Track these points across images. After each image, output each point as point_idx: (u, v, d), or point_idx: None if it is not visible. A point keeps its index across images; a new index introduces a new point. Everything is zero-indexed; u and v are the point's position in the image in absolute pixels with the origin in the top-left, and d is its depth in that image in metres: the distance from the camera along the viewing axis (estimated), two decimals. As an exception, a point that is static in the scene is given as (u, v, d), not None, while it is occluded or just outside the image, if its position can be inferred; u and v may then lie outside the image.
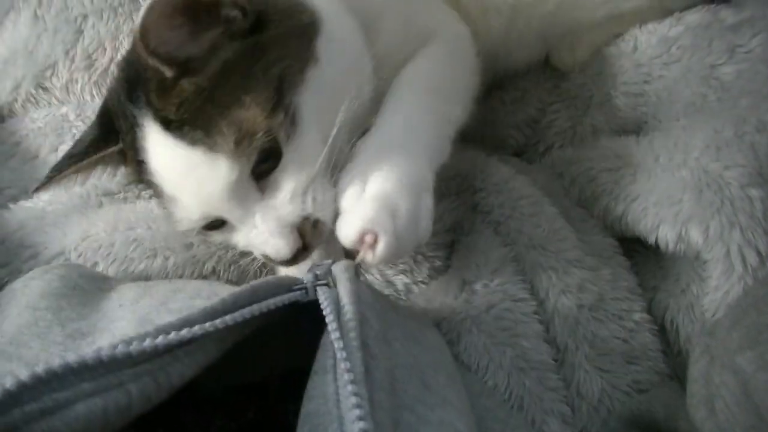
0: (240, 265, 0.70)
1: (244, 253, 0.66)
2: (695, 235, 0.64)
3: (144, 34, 0.50)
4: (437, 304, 0.68)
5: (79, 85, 0.92)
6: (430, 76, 0.68)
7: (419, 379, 0.44)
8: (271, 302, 0.42)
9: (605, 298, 0.67)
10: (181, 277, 0.68)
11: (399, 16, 0.71)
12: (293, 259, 0.56)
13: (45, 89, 0.93)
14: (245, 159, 0.52)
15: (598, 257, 0.71)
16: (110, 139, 0.59)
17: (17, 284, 0.53)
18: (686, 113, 0.78)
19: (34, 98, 0.93)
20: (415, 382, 0.43)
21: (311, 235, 0.56)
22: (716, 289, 0.62)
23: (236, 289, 0.44)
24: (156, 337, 0.35)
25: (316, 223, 0.56)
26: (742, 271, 0.61)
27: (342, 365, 0.37)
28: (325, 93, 0.58)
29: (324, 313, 0.41)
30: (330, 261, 0.49)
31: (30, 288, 0.51)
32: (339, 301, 0.42)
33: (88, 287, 0.53)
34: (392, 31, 0.70)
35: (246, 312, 0.40)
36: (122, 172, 0.65)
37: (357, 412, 0.33)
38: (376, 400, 0.36)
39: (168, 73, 0.52)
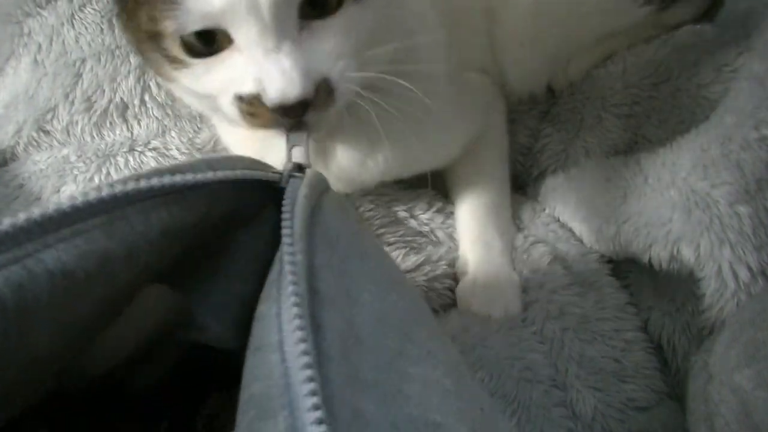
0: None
1: None
2: (687, 254, 0.64)
3: None
4: (449, 327, 0.69)
5: (79, 127, 0.94)
6: (491, 195, 0.81)
7: (399, 329, 0.36)
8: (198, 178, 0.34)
9: (590, 319, 0.68)
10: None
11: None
12: (292, 110, 0.50)
13: (46, 132, 0.95)
14: None
15: (582, 283, 0.72)
16: None
17: None
18: (675, 132, 0.79)
19: (36, 141, 0.95)
20: (394, 331, 0.36)
21: (321, 99, 0.50)
22: (711, 307, 0.63)
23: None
24: (18, 219, 0.28)
25: (331, 92, 0.51)
26: (735, 287, 0.62)
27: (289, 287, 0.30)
28: None
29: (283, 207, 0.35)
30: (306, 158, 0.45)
31: None
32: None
33: None
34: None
35: (127, 189, 0.31)
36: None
37: (310, 386, 0.26)
38: (333, 357, 0.29)
39: None
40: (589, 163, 0.82)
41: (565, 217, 0.80)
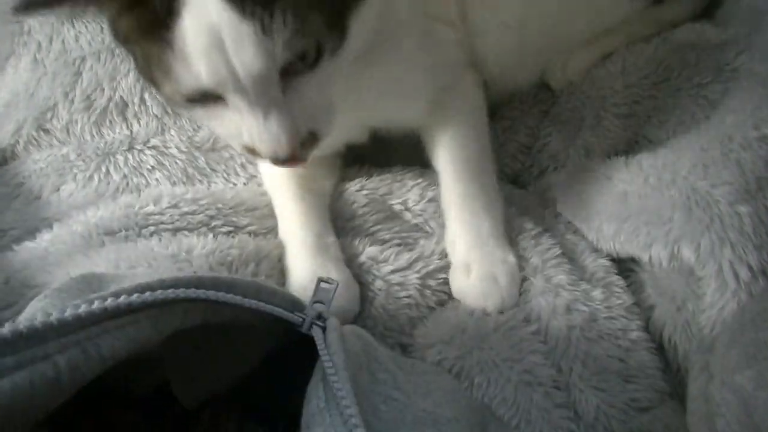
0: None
1: None
2: (687, 253, 0.64)
3: None
4: (446, 328, 0.68)
5: (79, 126, 0.94)
6: (472, 158, 0.78)
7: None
8: (226, 297, 0.41)
9: (598, 318, 0.67)
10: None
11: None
12: (282, 161, 0.57)
13: (46, 131, 0.94)
14: (289, 54, 0.52)
15: (589, 280, 0.71)
16: None
17: None
18: (676, 132, 0.79)
19: (36, 140, 0.94)
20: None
21: (307, 146, 0.58)
22: (711, 306, 0.63)
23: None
24: (78, 307, 0.35)
25: (313, 136, 0.58)
26: (736, 286, 0.62)
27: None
28: (371, 23, 0.61)
29: (321, 353, 0.42)
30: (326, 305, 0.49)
31: None
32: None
33: None
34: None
35: (178, 293, 0.39)
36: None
37: None
38: None
39: None
40: (589, 163, 0.82)
41: (566, 215, 0.79)
